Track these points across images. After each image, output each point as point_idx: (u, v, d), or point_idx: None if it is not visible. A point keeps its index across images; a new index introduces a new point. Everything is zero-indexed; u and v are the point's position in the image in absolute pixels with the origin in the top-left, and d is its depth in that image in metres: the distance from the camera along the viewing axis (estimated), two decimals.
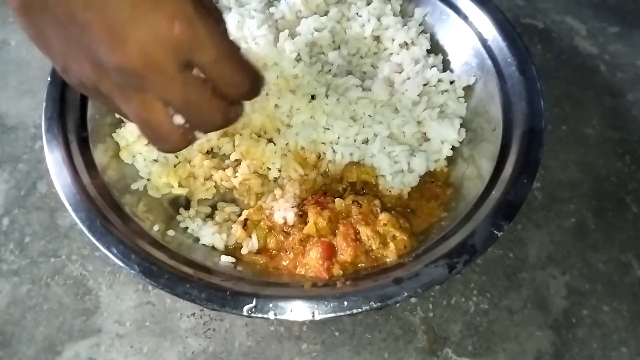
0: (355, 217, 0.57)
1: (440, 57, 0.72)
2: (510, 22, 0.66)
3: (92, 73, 0.39)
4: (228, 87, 0.43)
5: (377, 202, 0.58)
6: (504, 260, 0.67)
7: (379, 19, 0.72)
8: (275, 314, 0.48)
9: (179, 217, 0.61)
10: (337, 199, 0.58)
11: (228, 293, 0.48)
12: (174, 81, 0.39)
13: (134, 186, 0.62)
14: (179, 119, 0.42)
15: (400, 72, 0.70)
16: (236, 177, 0.63)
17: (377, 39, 0.73)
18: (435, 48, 0.73)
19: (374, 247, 0.56)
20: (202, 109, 0.42)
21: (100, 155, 0.60)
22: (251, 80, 0.45)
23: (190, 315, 0.62)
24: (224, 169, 0.64)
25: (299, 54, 0.66)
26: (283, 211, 0.59)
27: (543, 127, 0.58)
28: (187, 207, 0.63)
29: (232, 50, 0.43)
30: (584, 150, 0.75)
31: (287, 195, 0.61)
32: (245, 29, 0.67)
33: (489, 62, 0.66)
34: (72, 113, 0.61)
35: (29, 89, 0.81)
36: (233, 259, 0.57)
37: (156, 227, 0.57)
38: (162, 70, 0.38)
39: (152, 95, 0.40)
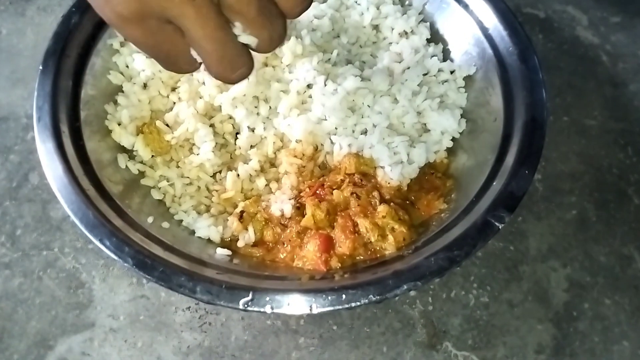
0: (353, 209, 0.56)
1: (441, 46, 0.70)
2: (512, 11, 0.65)
3: None
4: None
5: (375, 193, 0.57)
6: (505, 253, 0.66)
7: (378, 8, 0.71)
8: (271, 308, 0.46)
9: (172, 210, 0.60)
10: (335, 191, 0.57)
11: (223, 286, 0.47)
12: None
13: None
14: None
15: (399, 62, 0.69)
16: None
17: (376, 27, 0.72)
18: (435, 37, 0.72)
19: (372, 240, 0.55)
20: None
21: (93, 145, 0.59)
22: None
23: (186, 309, 0.61)
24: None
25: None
26: (280, 203, 0.58)
27: (545, 117, 0.57)
28: None
29: None
30: (586, 142, 0.74)
31: (284, 187, 0.60)
32: None
33: (489, 51, 0.64)
34: (64, 103, 0.59)
35: (21, 79, 0.79)
36: (229, 252, 0.56)
37: (150, 219, 0.56)
38: None
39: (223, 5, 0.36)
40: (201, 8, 0.35)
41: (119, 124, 0.62)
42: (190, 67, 0.41)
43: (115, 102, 0.63)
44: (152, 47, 0.39)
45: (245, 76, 0.42)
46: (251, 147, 0.63)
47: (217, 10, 0.36)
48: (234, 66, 0.40)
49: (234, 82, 0.43)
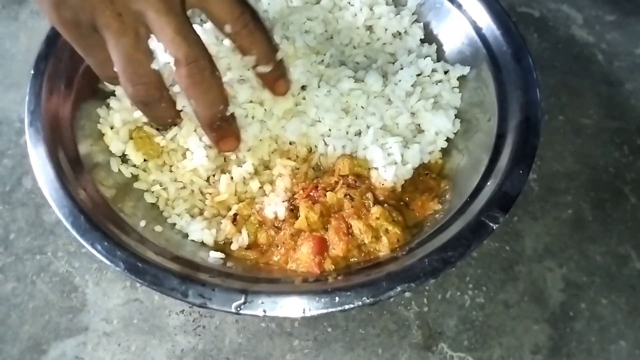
0: (347, 210, 0.56)
1: (434, 46, 0.70)
2: (506, 11, 0.64)
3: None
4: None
5: (369, 195, 0.57)
6: (500, 253, 0.65)
7: (371, 8, 0.71)
8: (264, 311, 0.46)
9: (165, 213, 0.60)
10: (328, 193, 0.57)
11: (215, 290, 0.47)
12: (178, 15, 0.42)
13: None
14: (155, 65, 0.44)
15: (393, 63, 0.69)
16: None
17: (369, 28, 0.72)
18: (429, 37, 0.71)
19: (366, 241, 0.54)
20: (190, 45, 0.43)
21: (84, 149, 0.59)
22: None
23: (179, 312, 0.61)
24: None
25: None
26: (274, 206, 0.58)
27: (539, 117, 0.56)
28: None
29: None
30: (581, 141, 0.74)
31: (278, 189, 0.59)
32: None
33: (483, 51, 0.64)
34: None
35: (14, 83, 0.79)
36: (223, 255, 0.56)
37: (143, 223, 0.55)
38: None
39: (148, 26, 0.42)
40: (124, 24, 0.42)
41: (112, 128, 0.61)
42: (114, 79, 0.47)
43: (108, 106, 0.63)
44: (85, 49, 0.47)
45: (144, 95, 0.46)
46: None
47: (136, 31, 0.42)
48: (133, 80, 0.45)
49: (138, 103, 0.48)
